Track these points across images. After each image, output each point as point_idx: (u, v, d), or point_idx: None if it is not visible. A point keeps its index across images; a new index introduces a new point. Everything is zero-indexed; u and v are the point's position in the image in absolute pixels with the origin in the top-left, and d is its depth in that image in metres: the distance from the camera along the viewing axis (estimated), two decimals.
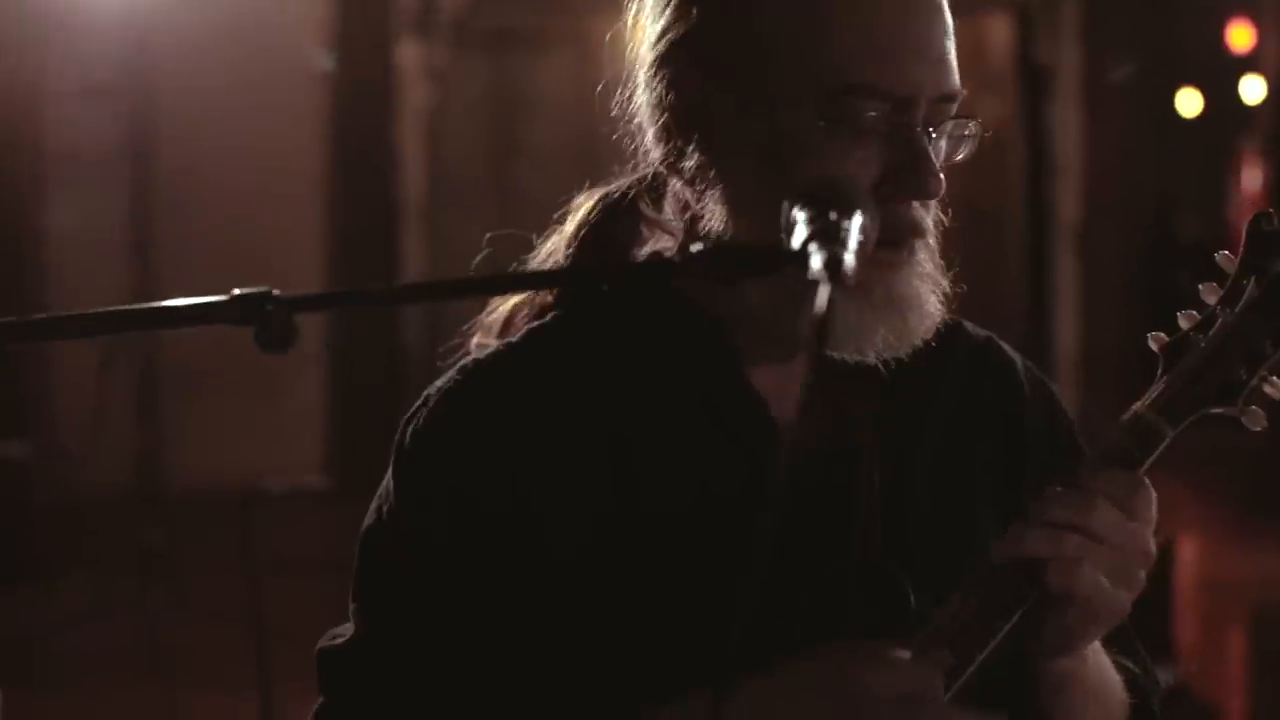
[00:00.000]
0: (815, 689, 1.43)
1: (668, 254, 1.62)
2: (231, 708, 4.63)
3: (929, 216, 1.53)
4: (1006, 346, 1.72)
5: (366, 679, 1.56)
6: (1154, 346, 1.54)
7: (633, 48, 1.60)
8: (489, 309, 1.69)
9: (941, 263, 1.55)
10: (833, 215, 1.20)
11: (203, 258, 7.76)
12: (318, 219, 9.06)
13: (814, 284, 1.15)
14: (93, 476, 7.32)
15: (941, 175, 1.49)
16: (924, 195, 1.49)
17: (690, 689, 1.43)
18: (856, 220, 1.22)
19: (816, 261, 1.16)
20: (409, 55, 9.29)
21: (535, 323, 1.64)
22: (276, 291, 1.17)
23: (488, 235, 1.75)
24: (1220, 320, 1.52)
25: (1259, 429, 1.51)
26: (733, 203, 1.51)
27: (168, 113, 8.07)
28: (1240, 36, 9.54)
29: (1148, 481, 1.49)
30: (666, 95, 1.54)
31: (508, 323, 1.67)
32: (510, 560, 1.52)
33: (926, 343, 1.54)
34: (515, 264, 1.69)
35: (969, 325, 1.70)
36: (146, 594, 6.37)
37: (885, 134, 1.47)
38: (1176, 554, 5.48)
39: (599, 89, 1.63)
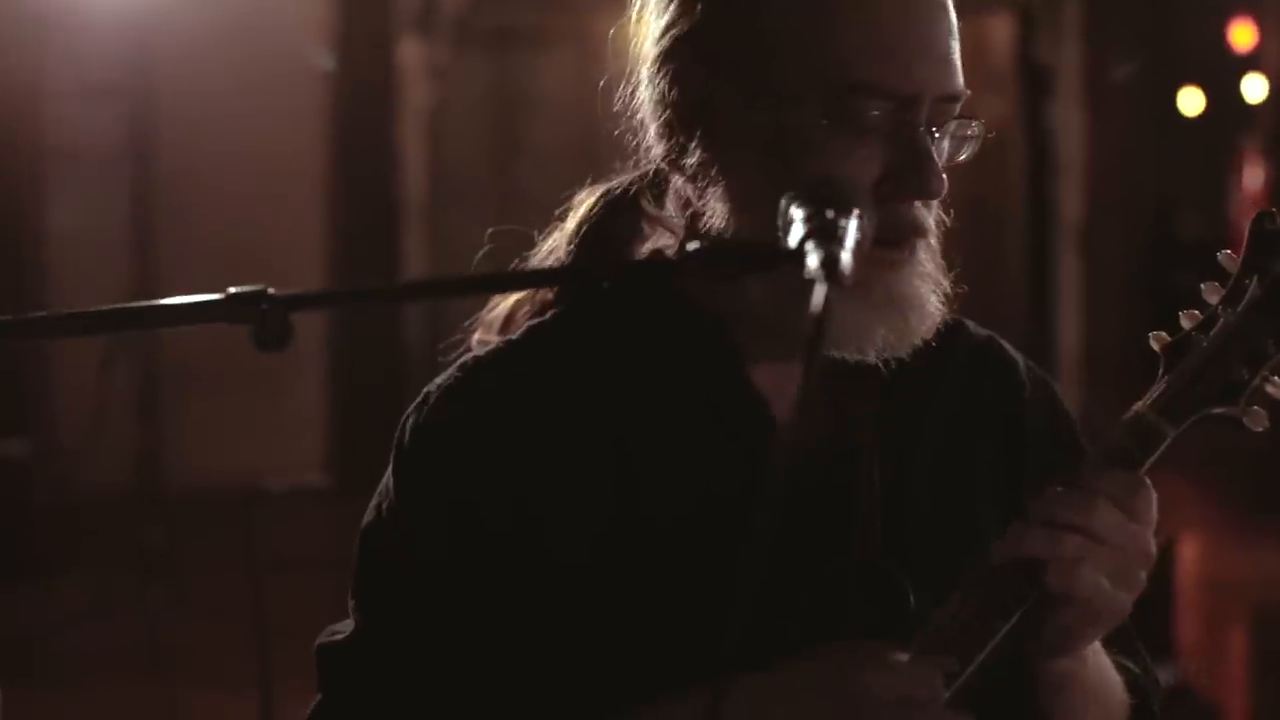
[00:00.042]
0: (815, 689, 1.43)
1: (669, 251, 1.61)
2: (232, 706, 4.64)
3: (930, 216, 1.52)
4: (1008, 346, 1.72)
5: (365, 675, 1.55)
6: (1155, 346, 1.53)
7: (636, 44, 1.60)
8: (490, 305, 1.69)
9: (942, 263, 1.55)
10: (830, 213, 1.20)
11: (203, 258, 7.76)
12: (319, 218, 9.06)
13: (811, 282, 1.14)
14: (93, 475, 7.32)
15: (944, 175, 1.49)
16: (926, 195, 1.49)
17: (690, 688, 1.42)
18: (854, 218, 1.21)
19: (813, 260, 1.16)
20: (410, 54, 9.28)
21: (536, 320, 1.63)
22: (272, 290, 1.17)
23: (489, 231, 1.75)
24: (1222, 320, 1.51)
25: (1261, 429, 1.50)
26: (735, 199, 1.51)
27: (168, 112, 8.06)
28: (1242, 35, 9.54)
29: (1148, 482, 1.48)
30: (670, 91, 1.54)
31: (509, 319, 1.66)
32: (509, 558, 1.51)
33: (927, 342, 1.54)
34: (516, 261, 1.69)
35: (970, 324, 1.69)
36: (147, 593, 6.37)
37: (888, 133, 1.47)
38: (1178, 553, 5.48)
39: (600, 87, 1.63)
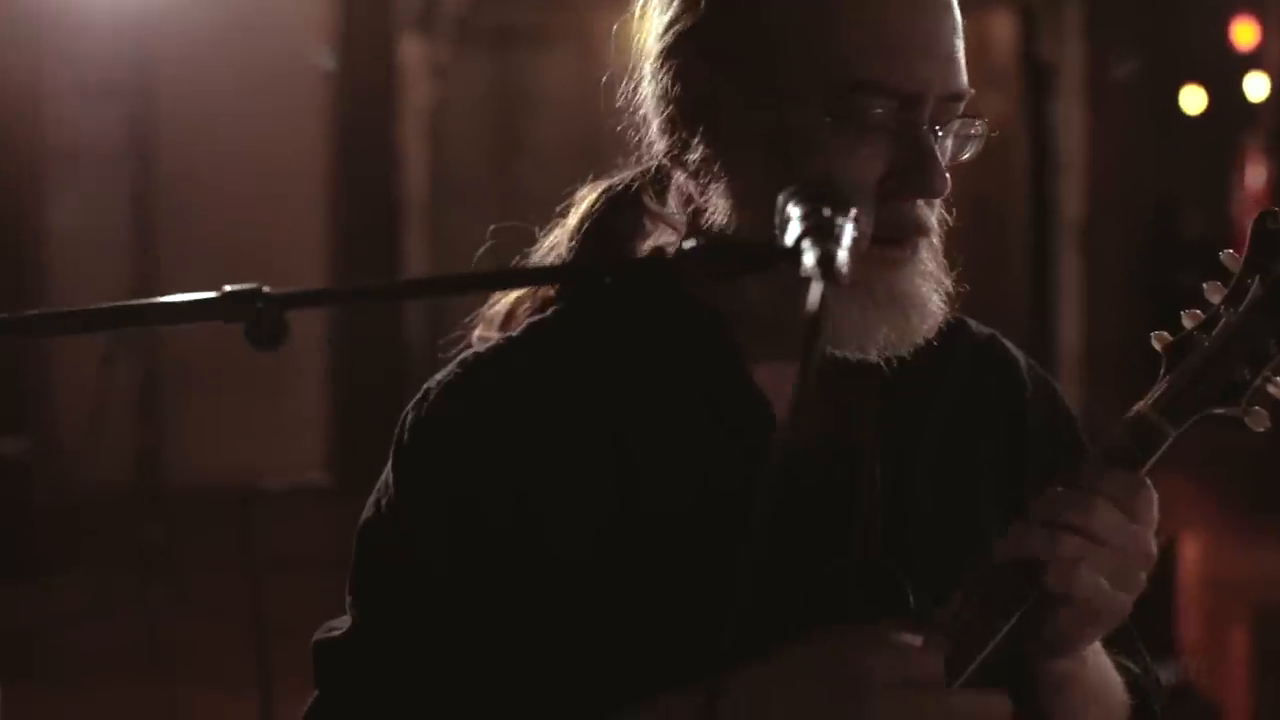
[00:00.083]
0: (813, 673, 1.42)
1: (670, 248, 1.61)
2: (232, 705, 4.63)
3: (933, 215, 1.52)
4: (1010, 344, 1.72)
5: (362, 672, 1.55)
6: (1157, 345, 1.53)
7: (639, 40, 1.60)
8: (491, 301, 1.68)
9: (944, 261, 1.55)
10: (826, 211, 1.19)
11: (204, 257, 7.76)
12: (320, 217, 9.05)
13: (808, 281, 1.14)
14: (93, 473, 7.32)
15: (947, 174, 1.49)
16: (929, 194, 1.49)
17: (689, 685, 1.41)
18: (851, 217, 1.21)
19: (809, 258, 1.15)
20: (411, 53, 9.28)
21: (537, 316, 1.63)
22: (267, 288, 1.16)
23: (490, 229, 1.74)
24: (1224, 320, 1.51)
25: (1262, 430, 1.50)
26: (737, 196, 1.51)
27: (169, 112, 8.06)
28: (1244, 34, 9.54)
29: (1149, 482, 1.48)
30: (673, 87, 1.53)
31: (509, 316, 1.66)
32: (508, 554, 1.51)
33: (929, 341, 1.53)
34: (518, 257, 1.69)
35: (972, 323, 1.69)
36: (146, 591, 6.38)
37: (892, 131, 1.47)
38: (1179, 552, 5.48)
39: (602, 84, 1.63)
